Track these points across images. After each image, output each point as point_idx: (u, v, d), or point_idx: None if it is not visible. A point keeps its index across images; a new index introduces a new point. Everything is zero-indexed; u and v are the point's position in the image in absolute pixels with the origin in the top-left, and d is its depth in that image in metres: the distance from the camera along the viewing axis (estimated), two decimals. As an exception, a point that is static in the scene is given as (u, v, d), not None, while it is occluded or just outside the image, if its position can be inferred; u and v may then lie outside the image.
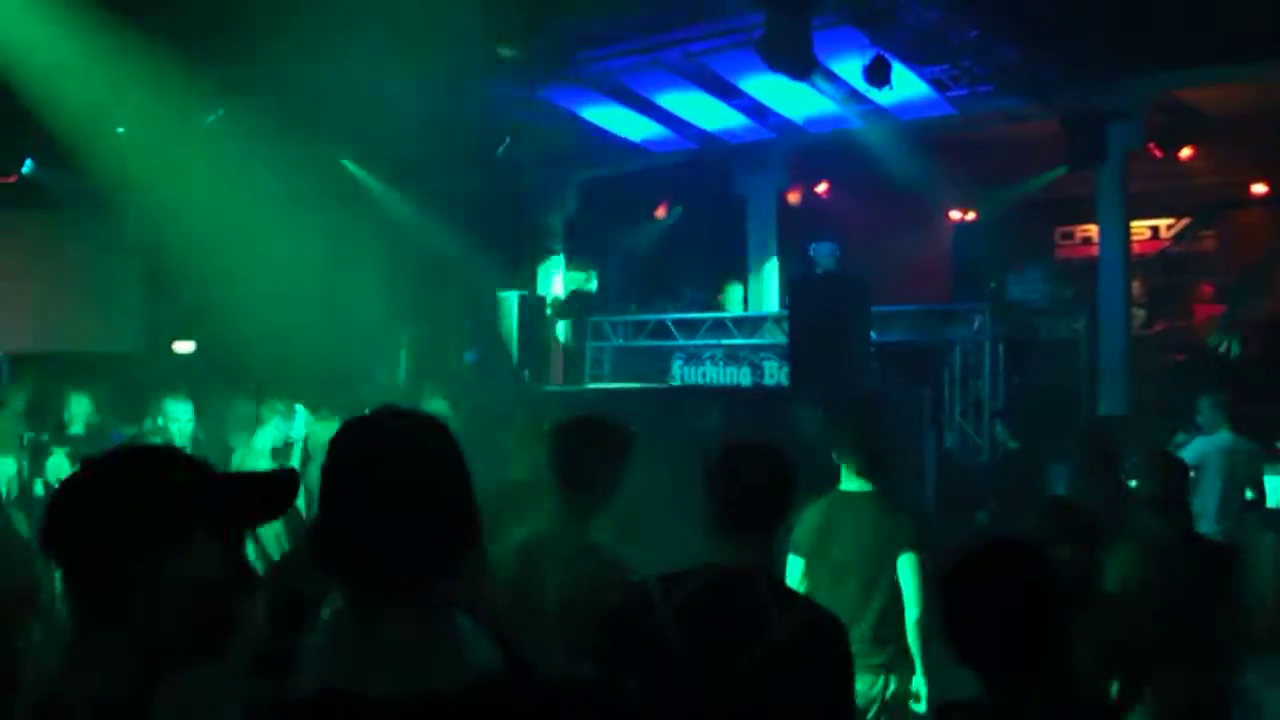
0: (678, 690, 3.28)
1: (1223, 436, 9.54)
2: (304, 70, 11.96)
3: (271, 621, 2.22)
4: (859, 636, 5.01)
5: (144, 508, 1.91)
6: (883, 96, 11.86)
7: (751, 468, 3.54)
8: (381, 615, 1.92)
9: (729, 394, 12.99)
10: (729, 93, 13.29)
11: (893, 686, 5.47)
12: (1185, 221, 17.37)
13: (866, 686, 5.30)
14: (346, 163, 15.02)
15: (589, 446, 4.30)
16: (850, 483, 5.59)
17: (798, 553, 5.53)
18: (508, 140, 14.11)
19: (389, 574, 1.91)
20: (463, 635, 1.97)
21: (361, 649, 1.92)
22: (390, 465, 1.93)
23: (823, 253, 13.19)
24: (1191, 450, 9.28)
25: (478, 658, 1.98)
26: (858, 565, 5.44)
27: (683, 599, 3.40)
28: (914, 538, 5.46)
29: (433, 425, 2.02)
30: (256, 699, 2.01)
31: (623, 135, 14.63)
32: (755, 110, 13.82)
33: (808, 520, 5.54)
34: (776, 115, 13.80)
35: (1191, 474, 6.91)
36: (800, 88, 12.42)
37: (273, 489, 2.08)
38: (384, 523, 1.90)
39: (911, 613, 5.37)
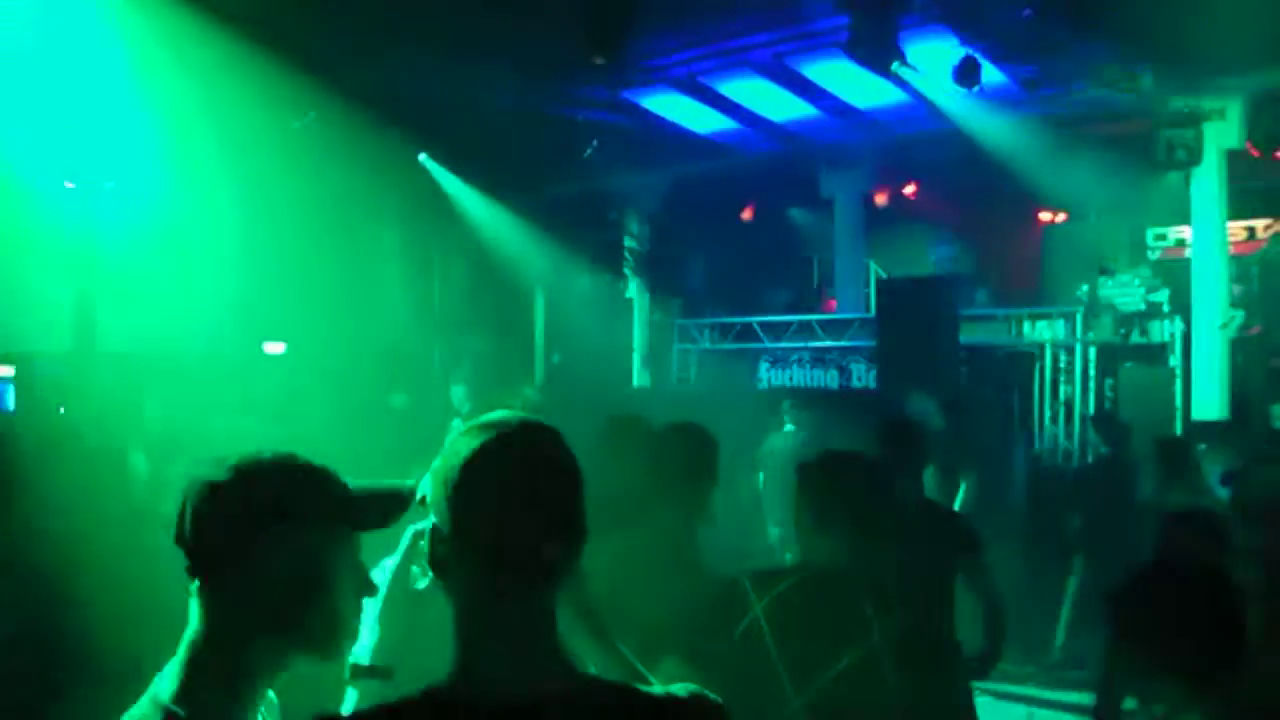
0: (769, 689, 3.30)
1: None
2: (390, 75, 12.12)
3: None
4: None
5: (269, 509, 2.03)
6: (972, 96, 11.76)
7: (848, 471, 3.57)
8: (494, 617, 1.94)
9: (816, 397, 12.94)
10: (815, 94, 13.25)
11: None
12: (1284, 222, 17.00)
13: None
14: (428, 162, 15.08)
15: (699, 451, 4.34)
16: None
17: None
18: (595, 143, 14.17)
19: (511, 577, 1.94)
20: (565, 640, 2.00)
21: (475, 648, 1.95)
22: (530, 472, 1.98)
23: (944, 255, 13.21)
24: None
25: (579, 663, 2.01)
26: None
27: (775, 598, 3.42)
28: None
29: (558, 434, 2.07)
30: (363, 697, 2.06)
31: (708, 136, 14.63)
32: (842, 111, 13.76)
33: None
34: (864, 115, 13.72)
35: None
36: (888, 88, 12.36)
37: (390, 500, 2.15)
38: (515, 526, 1.95)
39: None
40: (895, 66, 10.45)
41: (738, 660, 3.34)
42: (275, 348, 17.18)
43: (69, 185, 13.27)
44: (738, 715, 2.09)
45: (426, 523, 2.02)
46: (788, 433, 10.66)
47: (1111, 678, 3.01)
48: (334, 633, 2.06)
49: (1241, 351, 14.04)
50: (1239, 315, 13.12)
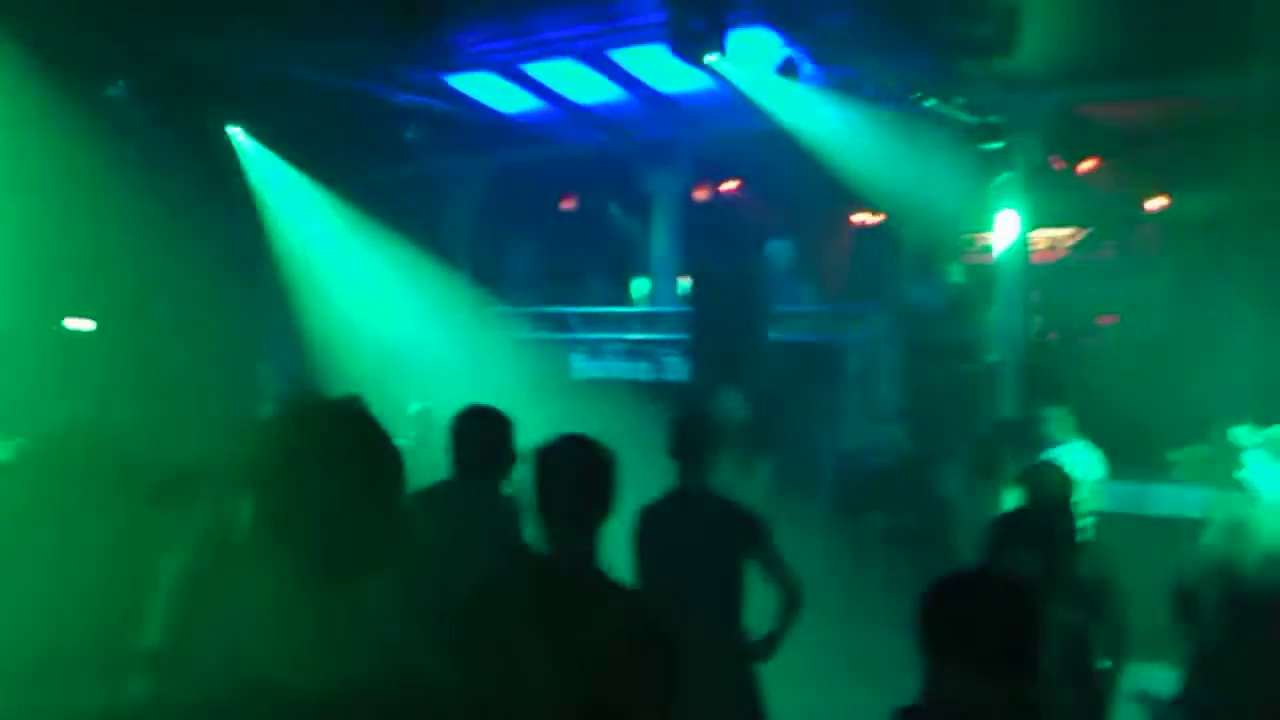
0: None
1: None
2: (204, 47, 11.80)
3: None
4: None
5: None
6: (793, 94, 11.94)
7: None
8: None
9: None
10: (637, 87, 13.31)
11: None
12: (1084, 233, 17.63)
13: None
14: (239, 139, 14.70)
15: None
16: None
17: None
18: (414, 126, 13.99)
19: None
20: None
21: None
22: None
23: (778, 251, 13.37)
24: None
25: None
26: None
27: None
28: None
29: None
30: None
31: (530, 123, 14.58)
32: (664, 105, 13.84)
33: None
34: (685, 110, 13.82)
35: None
36: (708, 83, 12.45)
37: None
38: None
39: None
40: (714, 61, 10.51)
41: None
42: (80, 324, 16.63)
43: None
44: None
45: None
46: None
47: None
48: None
49: (1040, 355, 14.56)
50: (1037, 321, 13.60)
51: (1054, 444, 9.70)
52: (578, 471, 3.64)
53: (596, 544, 3.64)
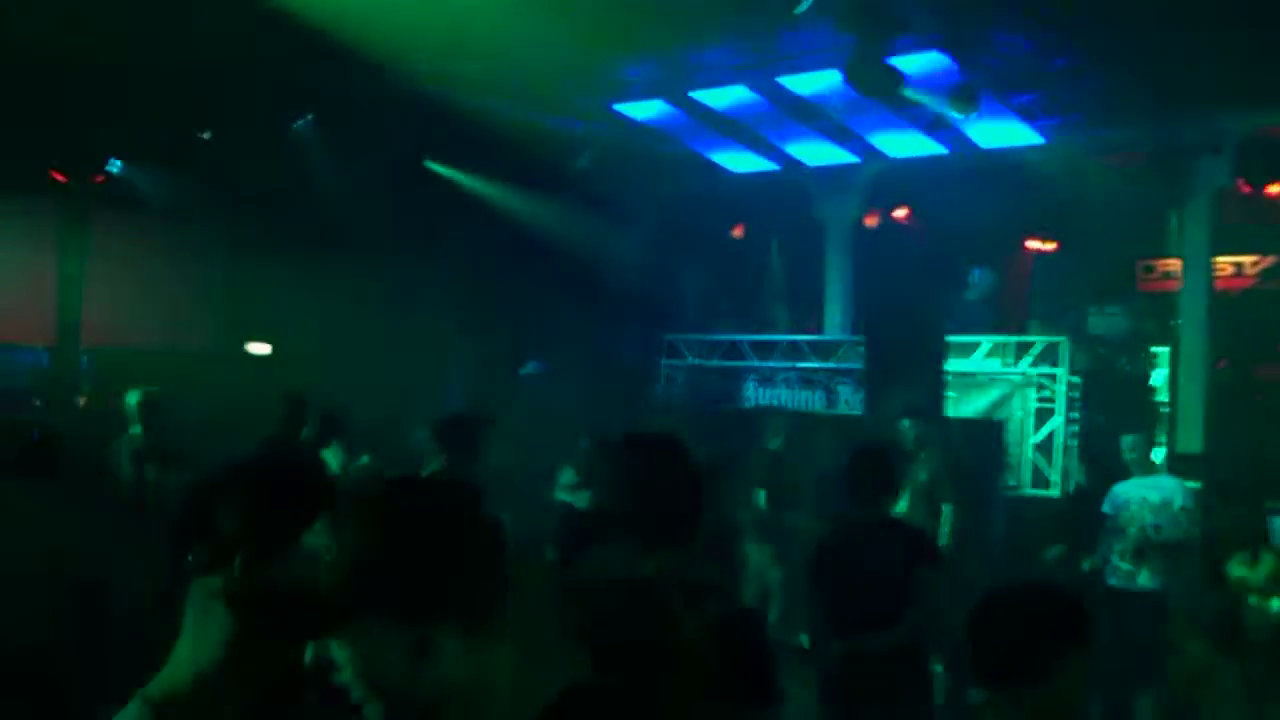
0: None
1: None
2: (392, 80, 12.12)
3: None
4: None
5: None
6: (969, 124, 11.81)
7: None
8: None
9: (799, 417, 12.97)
10: (813, 116, 13.27)
11: None
12: (1272, 259, 17.07)
13: None
14: (432, 165, 15.09)
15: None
16: None
17: None
18: (588, 154, 14.17)
19: None
20: None
21: None
22: None
23: (978, 279, 13.28)
24: None
25: None
26: None
27: None
28: None
29: None
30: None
31: (703, 154, 14.65)
32: (839, 134, 13.79)
33: None
34: (860, 140, 13.75)
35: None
36: (883, 112, 12.40)
37: None
38: None
39: None
40: (892, 91, 10.45)
41: None
42: (260, 348, 17.24)
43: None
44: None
45: None
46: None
47: None
48: None
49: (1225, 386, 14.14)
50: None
51: (1131, 473, 9.43)
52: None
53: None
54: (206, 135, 12.89)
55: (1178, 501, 9.29)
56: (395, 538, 2.08)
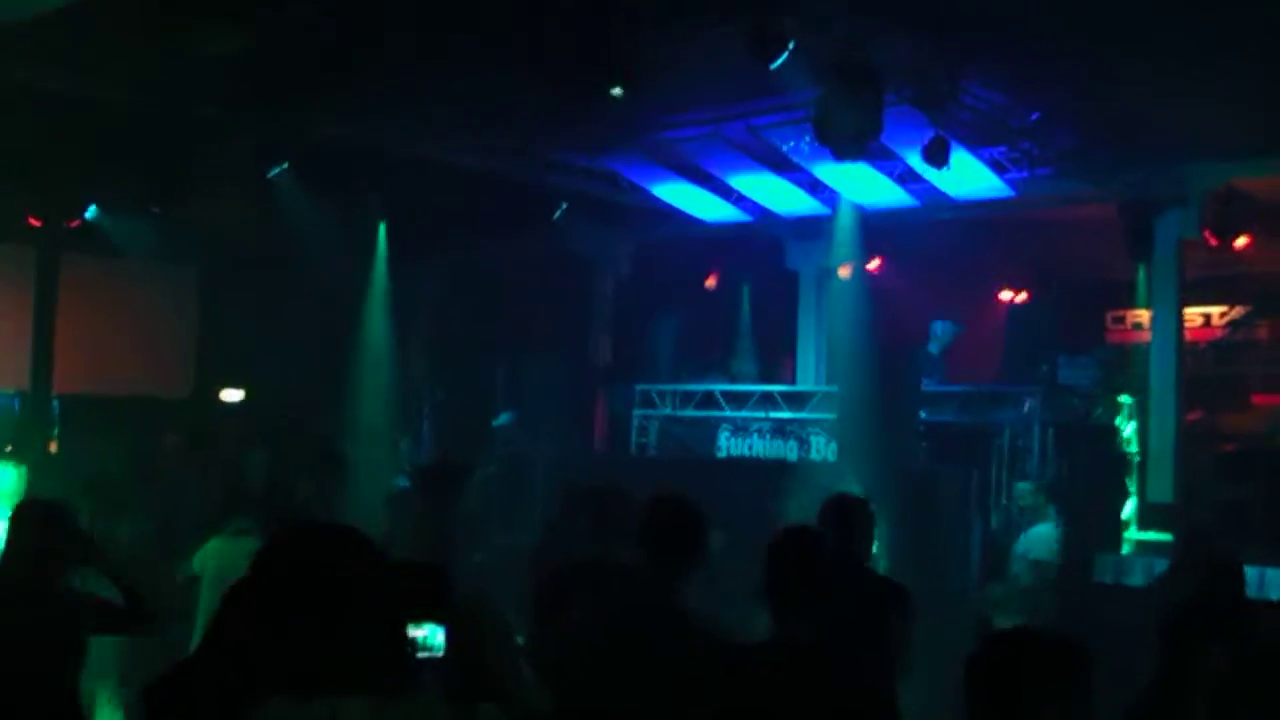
0: None
1: None
2: (366, 129, 12.20)
3: None
4: None
5: None
6: (940, 176, 11.93)
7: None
8: None
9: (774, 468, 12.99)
10: (786, 167, 13.40)
11: None
12: (1239, 310, 17.28)
13: None
14: (381, 226, 15.09)
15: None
16: None
17: None
18: (564, 205, 14.25)
19: None
20: None
21: None
22: None
23: (940, 332, 13.41)
24: None
25: None
26: None
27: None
28: None
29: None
30: None
31: (679, 206, 14.75)
32: (811, 185, 13.92)
33: None
34: (832, 191, 13.88)
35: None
36: (858, 165, 12.51)
37: None
38: None
39: None
40: (864, 144, 10.55)
41: None
42: (233, 395, 17.22)
43: None
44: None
45: None
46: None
47: None
48: None
49: (1193, 437, 14.27)
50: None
51: (1025, 523, 9.59)
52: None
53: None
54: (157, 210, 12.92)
55: (1033, 553, 9.46)
56: (282, 603, 2.01)
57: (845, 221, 14.18)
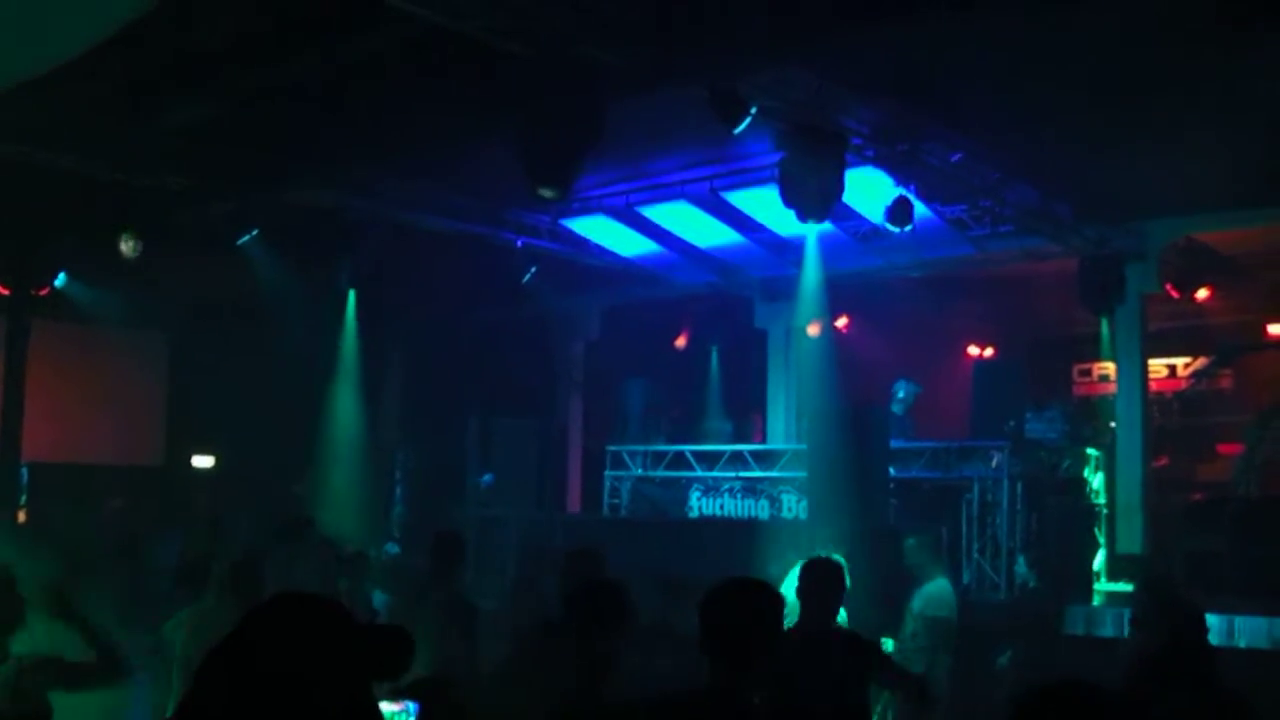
0: None
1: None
2: (334, 195, 12.28)
3: None
4: None
5: None
6: (904, 235, 12.07)
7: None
8: None
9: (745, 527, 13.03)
10: (751, 228, 13.53)
11: None
12: (1202, 361, 17.48)
13: None
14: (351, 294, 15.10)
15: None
16: None
17: None
18: (534, 269, 14.33)
19: None
20: None
21: None
22: None
23: (903, 394, 13.52)
24: None
25: None
26: None
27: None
28: None
29: None
30: None
31: (647, 266, 14.86)
32: (777, 246, 14.05)
33: None
34: (799, 251, 14.01)
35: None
36: (823, 225, 12.65)
37: None
38: None
39: None
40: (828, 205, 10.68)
41: None
42: (204, 461, 17.16)
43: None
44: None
45: None
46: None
47: None
48: None
49: (1161, 487, 14.40)
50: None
51: (917, 579, 9.64)
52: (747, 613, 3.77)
53: (755, 682, 3.75)
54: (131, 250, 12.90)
55: (929, 610, 9.52)
56: (258, 678, 2.04)
57: (812, 281, 14.31)
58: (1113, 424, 14.04)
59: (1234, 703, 5.57)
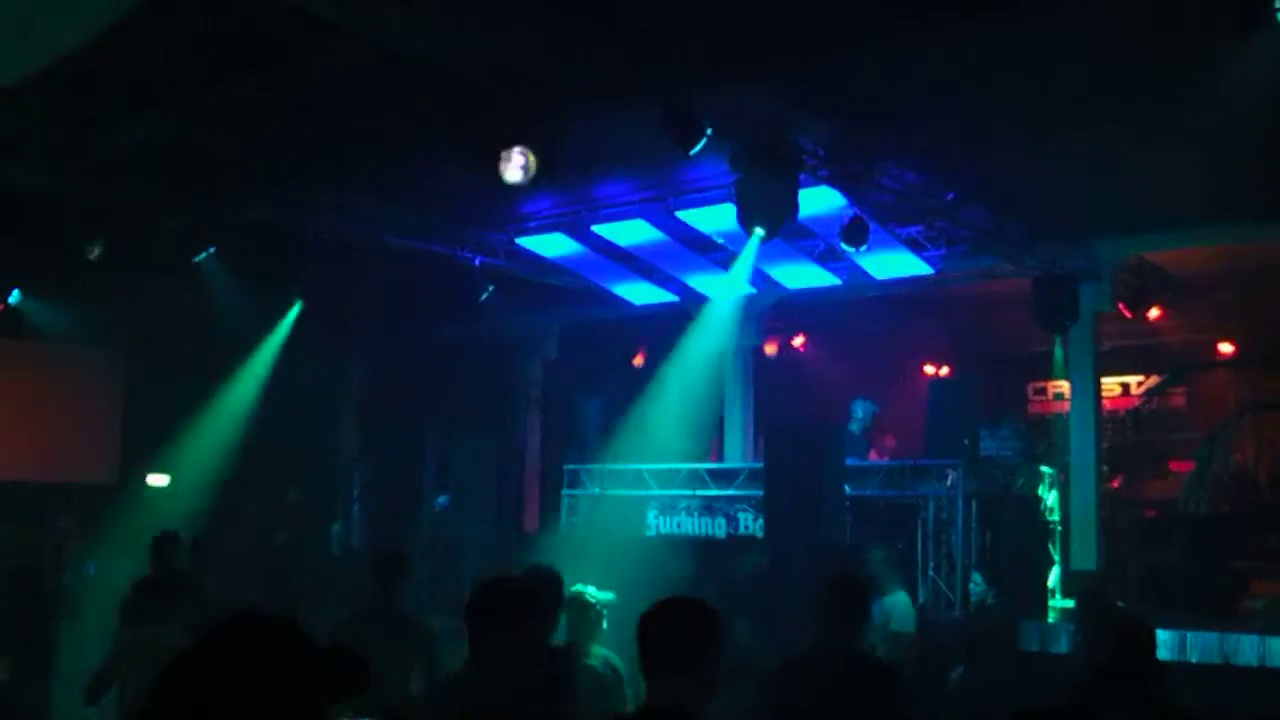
0: None
1: None
2: (290, 213, 12.26)
3: None
4: None
5: None
6: (859, 255, 12.16)
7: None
8: None
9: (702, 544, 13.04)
10: (709, 248, 13.58)
11: None
12: (1155, 379, 17.66)
13: None
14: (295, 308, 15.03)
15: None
16: None
17: None
18: (490, 288, 14.33)
19: None
20: None
21: None
22: None
23: (861, 413, 13.59)
24: None
25: None
26: None
27: None
28: None
29: None
30: None
31: (603, 285, 14.88)
32: (733, 262, 14.12)
33: None
34: (754, 270, 14.08)
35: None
36: (779, 245, 12.72)
37: None
38: None
39: None
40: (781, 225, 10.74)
41: None
42: (159, 480, 17.02)
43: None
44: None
45: None
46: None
47: None
48: None
49: (1115, 504, 14.52)
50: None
51: (878, 591, 9.68)
52: (684, 630, 3.76)
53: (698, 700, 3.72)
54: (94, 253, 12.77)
55: (893, 624, 9.60)
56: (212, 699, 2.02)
57: (769, 300, 14.40)
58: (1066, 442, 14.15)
59: (1180, 714, 5.65)
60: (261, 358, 15.02)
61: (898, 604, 9.95)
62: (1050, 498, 13.66)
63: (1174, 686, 5.63)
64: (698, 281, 14.67)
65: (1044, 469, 13.79)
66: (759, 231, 10.57)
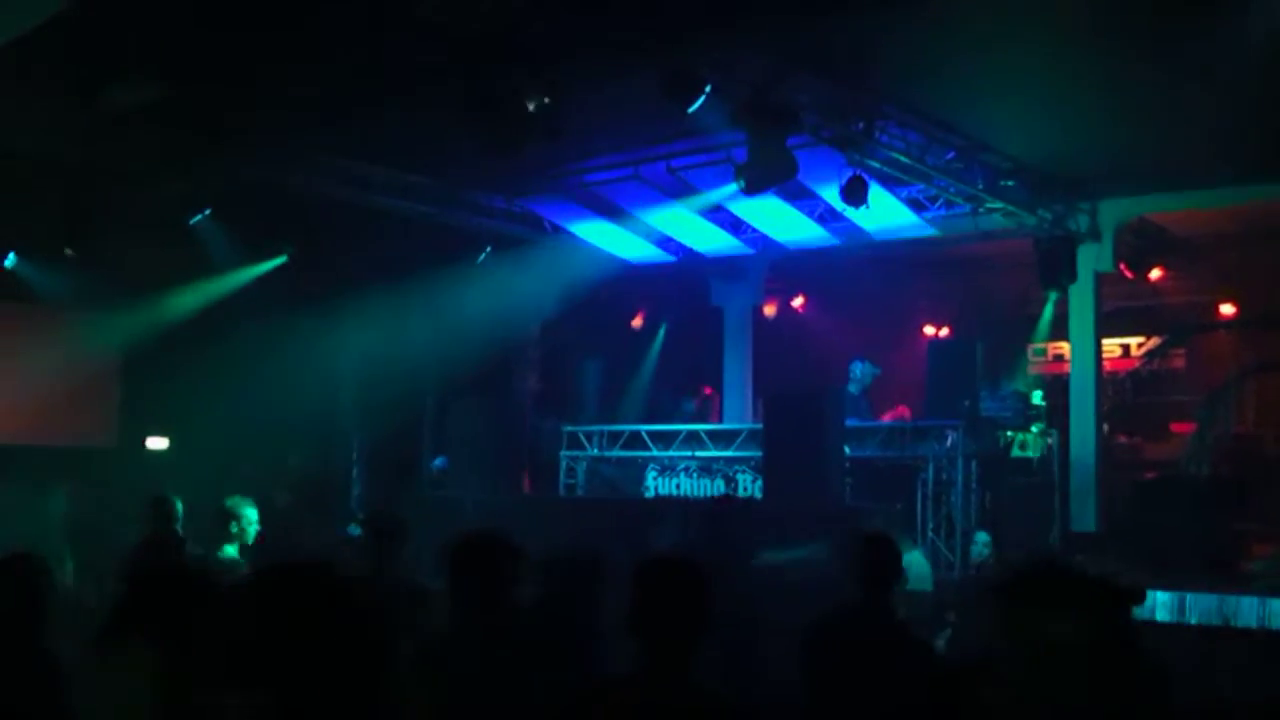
0: None
1: None
2: (287, 174, 12.19)
3: None
4: None
5: None
6: (860, 214, 12.09)
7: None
8: None
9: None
10: (706, 207, 13.51)
11: None
12: (1156, 340, 17.60)
13: None
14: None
15: None
16: None
17: None
18: (488, 249, 14.26)
19: None
20: None
21: None
22: None
23: (860, 373, 13.53)
24: None
25: None
26: None
27: None
28: None
29: None
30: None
31: (602, 247, 14.81)
32: (734, 225, 14.06)
33: None
34: (755, 230, 14.02)
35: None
36: (778, 204, 12.66)
37: None
38: None
39: None
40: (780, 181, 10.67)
41: None
42: (158, 443, 16.98)
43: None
44: None
45: None
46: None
47: None
48: None
49: (1115, 465, 14.49)
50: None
51: None
52: (677, 591, 3.72)
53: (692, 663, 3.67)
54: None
55: (909, 584, 9.56)
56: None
57: (768, 260, 14.32)
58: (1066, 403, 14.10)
59: (1152, 671, 5.59)
60: (261, 320, 14.93)
61: (914, 563, 9.90)
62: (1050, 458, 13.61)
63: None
64: (697, 241, 14.60)
65: (1034, 428, 13.72)
66: (759, 190, 10.49)
